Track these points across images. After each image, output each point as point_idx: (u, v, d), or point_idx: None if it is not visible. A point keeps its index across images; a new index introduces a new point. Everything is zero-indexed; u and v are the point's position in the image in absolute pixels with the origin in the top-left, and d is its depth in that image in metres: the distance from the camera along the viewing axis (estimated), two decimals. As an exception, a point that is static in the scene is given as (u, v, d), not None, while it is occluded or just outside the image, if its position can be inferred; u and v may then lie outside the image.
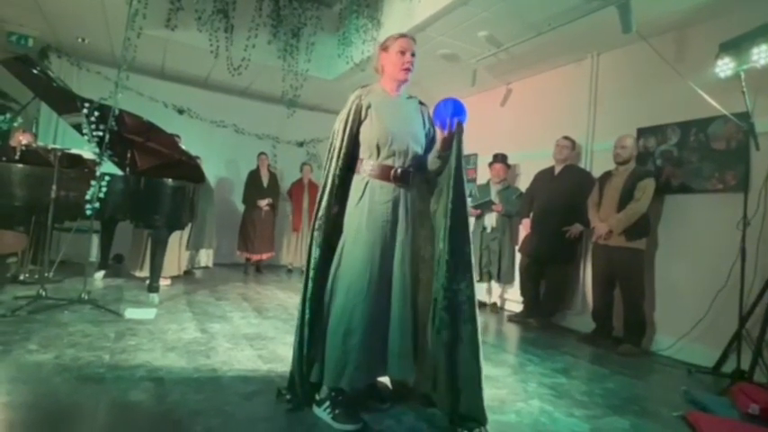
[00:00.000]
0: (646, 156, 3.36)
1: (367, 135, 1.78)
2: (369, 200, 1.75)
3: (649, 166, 3.32)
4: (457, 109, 1.70)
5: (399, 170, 1.77)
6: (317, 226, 1.75)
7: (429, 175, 1.88)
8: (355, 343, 1.63)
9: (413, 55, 1.81)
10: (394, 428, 1.64)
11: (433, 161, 1.83)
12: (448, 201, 1.65)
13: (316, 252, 1.73)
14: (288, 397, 1.75)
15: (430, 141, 1.89)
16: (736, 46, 2.51)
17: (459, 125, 1.70)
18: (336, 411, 1.63)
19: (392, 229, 1.75)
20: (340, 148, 1.77)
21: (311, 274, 1.72)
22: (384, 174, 1.76)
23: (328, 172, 1.78)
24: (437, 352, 1.63)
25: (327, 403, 1.66)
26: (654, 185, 3.07)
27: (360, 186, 1.78)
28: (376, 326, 1.67)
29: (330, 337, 1.67)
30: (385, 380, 1.90)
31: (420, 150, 1.83)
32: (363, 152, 1.80)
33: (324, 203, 1.75)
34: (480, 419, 1.60)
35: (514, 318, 3.89)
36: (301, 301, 1.73)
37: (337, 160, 1.76)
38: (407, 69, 1.80)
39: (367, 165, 1.78)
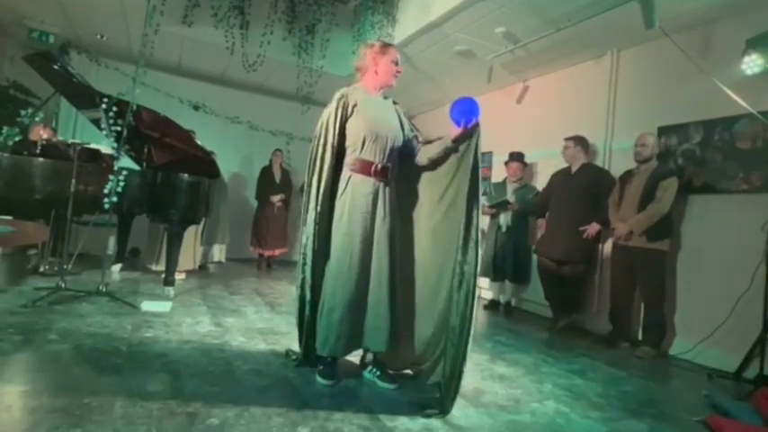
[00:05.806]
0: (667, 155, 3.28)
1: (353, 130, 1.96)
2: (351, 192, 1.95)
3: (670, 165, 3.24)
4: (473, 108, 1.88)
5: (380, 165, 1.96)
6: (314, 219, 1.97)
7: (422, 165, 2.08)
8: (336, 318, 1.89)
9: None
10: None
11: (438, 149, 1.98)
12: (465, 198, 1.80)
13: (310, 241, 1.99)
14: (294, 357, 2.16)
15: (408, 139, 2.06)
16: (764, 42, 2.43)
17: (477, 125, 1.84)
18: (320, 368, 1.98)
19: (371, 219, 1.94)
20: (332, 144, 1.95)
21: (309, 258, 1.99)
22: (365, 169, 1.95)
23: (322, 166, 1.96)
24: (444, 327, 1.80)
25: (320, 365, 2.00)
26: (677, 185, 2.99)
27: (344, 180, 1.98)
28: (355, 305, 1.91)
29: (320, 314, 1.96)
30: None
31: (399, 147, 2.03)
32: (348, 146, 1.98)
33: (320, 197, 1.96)
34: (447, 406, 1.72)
35: (555, 327, 3.55)
36: (300, 285, 2.03)
37: (331, 155, 1.96)
38: (396, 77, 2.05)
39: (350, 159, 1.97)
